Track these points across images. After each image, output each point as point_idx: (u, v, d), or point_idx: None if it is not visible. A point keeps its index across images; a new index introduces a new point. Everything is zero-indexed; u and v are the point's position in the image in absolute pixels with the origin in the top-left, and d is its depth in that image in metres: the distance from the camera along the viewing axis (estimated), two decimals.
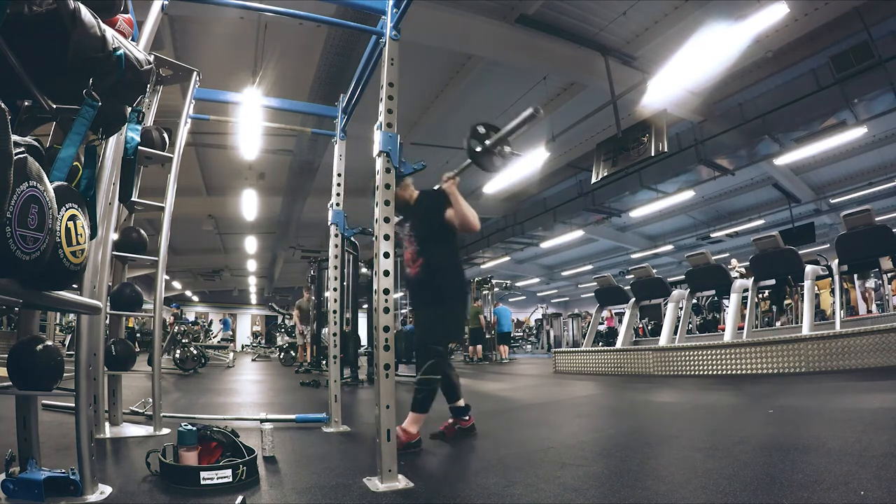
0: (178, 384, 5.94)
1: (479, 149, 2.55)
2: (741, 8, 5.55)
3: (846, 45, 6.62)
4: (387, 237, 1.91)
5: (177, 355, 7.47)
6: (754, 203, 13.95)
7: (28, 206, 1.01)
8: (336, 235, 3.14)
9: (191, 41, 6.42)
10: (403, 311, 10.28)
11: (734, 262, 9.30)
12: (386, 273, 1.89)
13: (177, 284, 21.85)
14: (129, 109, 1.55)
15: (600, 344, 10.49)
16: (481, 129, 2.58)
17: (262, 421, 2.87)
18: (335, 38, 5.81)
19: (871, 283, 8.43)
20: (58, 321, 8.27)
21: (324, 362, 7.75)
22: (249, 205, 10.81)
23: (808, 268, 5.43)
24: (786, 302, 7.85)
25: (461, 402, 2.74)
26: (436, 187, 2.68)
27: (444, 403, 2.69)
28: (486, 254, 17.40)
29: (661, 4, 6.32)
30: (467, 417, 2.75)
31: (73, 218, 1.21)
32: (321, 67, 6.39)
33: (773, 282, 6.27)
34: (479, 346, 11.47)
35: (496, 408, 4.27)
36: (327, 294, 7.20)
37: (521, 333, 19.19)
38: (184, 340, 7.83)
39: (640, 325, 10.29)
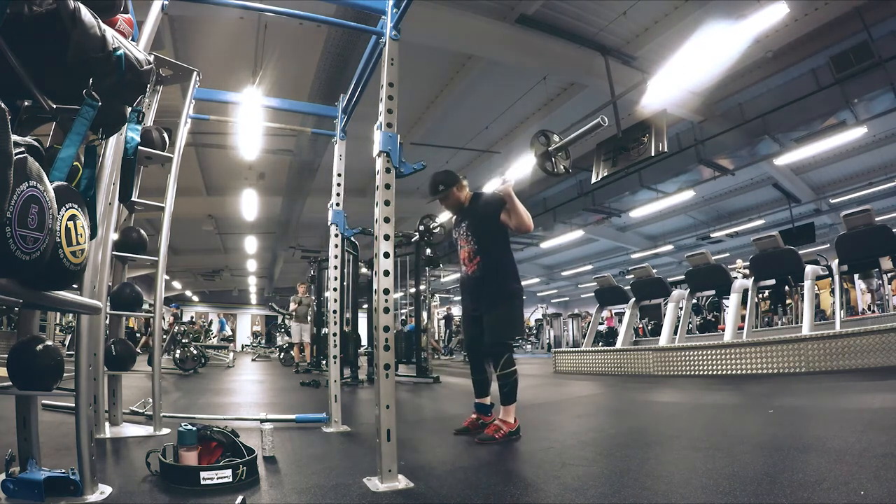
0: (178, 384, 5.94)
1: (541, 152, 2.74)
2: (741, 8, 5.55)
3: (846, 45, 6.62)
4: (387, 237, 1.91)
5: (177, 355, 7.47)
6: (754, 203, 13.96)
7: (28, 206, 1.00)
8: (336, 235, 3.13)
9: (191, 41, 6.42)
10: (403, 311, 10.27)
11: (739, 261, 9.30)
12: (386, 273, 1.89)
13: (177, 284, 21.85)
14: (129, 109, 1.54)
15: (600, 344, 10.48)
16: (547, 134, 2.79)
17: (262, 421, 2.87)
18: (335, 38, 5.81)
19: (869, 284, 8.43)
20: (58, 321, 8.27)
21: (324, 362, 7.75)
22: (249, 205, 10.81)
23: (808, 268, 5.43)
24: (786, 302, 7.85)
25: (488, 400, 2.88)
26: (492, 190, 2.87)
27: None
28: None
29: (661, 4, 6.32)
30: (490, 414, 2.84)
31: (73, 218, 1.21)
32: (321, 67, 6.39)
33: (773, 282, 6.28)
34: None
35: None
36: (327, 294, 7.20)
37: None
38: (184, 340, 7.83)
39: (640, 325, 10.28)
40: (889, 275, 6.55)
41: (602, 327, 12.51)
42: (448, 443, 2.60)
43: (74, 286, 1.60)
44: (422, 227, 3.95)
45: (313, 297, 9.46)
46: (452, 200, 2.91)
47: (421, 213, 14.11)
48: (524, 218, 2.70)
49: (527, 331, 19.71)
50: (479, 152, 9.96)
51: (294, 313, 9.62)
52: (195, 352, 7.64)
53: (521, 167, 9.10)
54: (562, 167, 2.79)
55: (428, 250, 7.54)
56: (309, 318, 9.47)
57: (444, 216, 3.89)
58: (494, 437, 2.54)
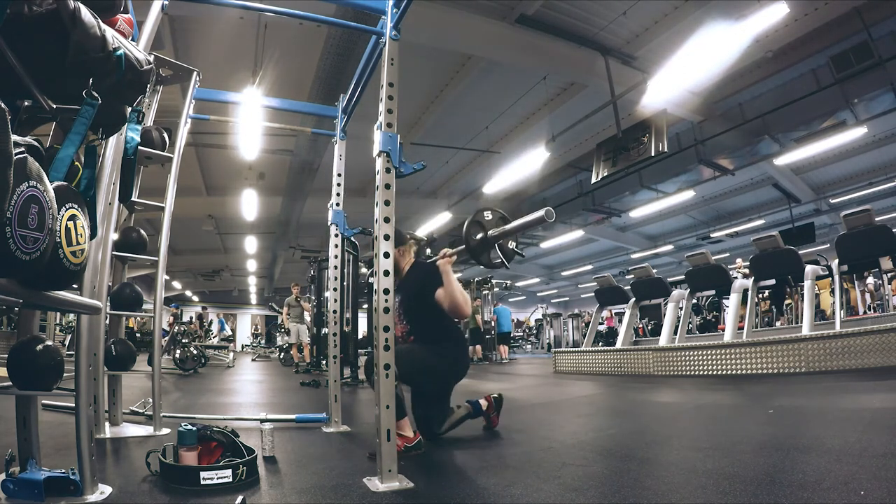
0: (178, 384, 5.94)
1: (479, 236, 2.31)
2: (741, 8, 5.55)
3: (846, 45, 6.62)
4: (387, 237, 1.91)
5: (177, 355, 7.47)
6: (754, 203, 13.96)
7: (28, 206, 1.00)
8: (336, 235, 3.13)
9: (191, 41, 6.42)
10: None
11: (739, 261, 9.30)
12: (386, 273, 1.89)
13: (177, 284, 21.85)
14: (129, 109, 1.55)
15: (600, 344, 10.49)
16: (487, 216, 2.34)
17: (262, 421, 2.87)
18: (335, 38, 5.81)
19: (870, 282, 8.43)
20: (58, 321, 8.28)
21: (324, 362, 7.75)
22: (249, 205, 10.80)
23: (808, 268, 5.43)
24: (786, 302, 7.85)
25: (483, 402, 2.80)
26: (431, 260, 2.53)
27: None
28: None
29: (661, 4, 6.32)
30: (494, 417, 2.82)
31: (73, 218, 1.21)
32: (321, 67, 6.40)
33: (773, 282, 6.28)
34: (479, 347, 11.47)
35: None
36: (327, 294, 7.20)
37: (521, 333, 19.19)
38: (184, 340, 7.83)
39: (640, 325, 10.28)
40: (889, 275, 6.55)
41: (602, 327, 12.52)
42: (448, 442, 2.60)
43: (74, 286, 1.60)
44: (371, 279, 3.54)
45: (312, 297, 9.45)
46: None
47: (421, 213, 14.07)
48: (458, 300, 2.32)
49: (527, 331, 19.76)
50: (479, 152, 9.96)
51: (288, 315, 9.64)
52: (195, 352, 7.65)
53: (523, 167, 9.14)
54: (507, 252, 2.36)
55: (428, 250, 7.55)
56: (307, 319, 9.47)
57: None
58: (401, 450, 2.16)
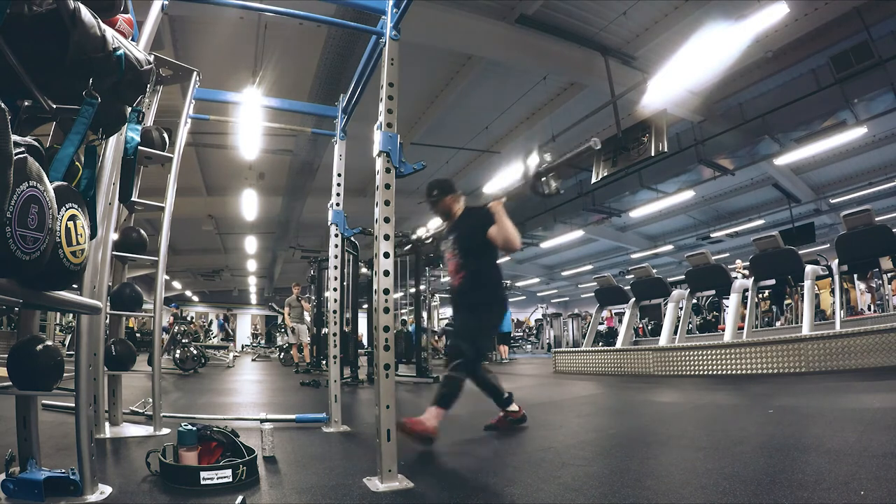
0: (178, 384, 5.94)
1: (533, 172, 2.79)
2: (741, 8, 5.55)
3: (846, 45, 6.61)
4: (387, 237, 1.91)
5: (177, 355, 7.47)
6: (754, 203, 13.96)
7: (28, 206, 1.00)
8: (336, 235, 3.13)
9: (191, 41, 6.42)
10: (403, 311, 10.29)
11: (738, 262, 9.30)
12: (386, 273, 1.89)
13: (177, 284, 21.85)
14: (129, 109, 1.55)
15: (600, 344, 10.49)
16: (538, 155, 2.84)
17: (262, 421, 2.87)
18: (335, 38, 5.81)
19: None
20: (58, 321, 8.28)
21: (324, 362, 7.75)
22: (249, 205, 10.80)
23: (808, 268, 5.42)
24: (786, 302, 7.85)
25: (506, 395, 2.92)
26: (482, 204, 2.85)
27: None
28: None
29: (661, 4, 6.32)
30: (516, 408, 2.92)
31: (73, 218, 1.21)
32: (321, 67, 6.40)
33: (773, 282, 6.28)
34: None
35: (496, 408, 4.26)
36: (327, 294, 7.20)
37: (521, 333, 19.20)
38: (184, 340, 7.83)
39: (640, 325, 10.29)
40: (889, 275, 6.55)
41: (602, 327, 12.52)
42: (448, 443, 2.60)
43: (74, 286, 1.60)
44: (414, 236, 3.97)
45: (312, 297, 9.46)
46: (442, 208, 2.91)
47: (421, 213, 14.12)
48: (511, 236, 2.67)
49: (527, 331, 19.76)
50: (479, 152, 9.96)
51: (290, 313, 9.63)
52: (195, 352, 7.65)
53: (522, 168, 9.14)
54: (553, 186, 2.83)
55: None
56: (307, 319, 9.48)
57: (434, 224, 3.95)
58: (411, 427, 2.31)
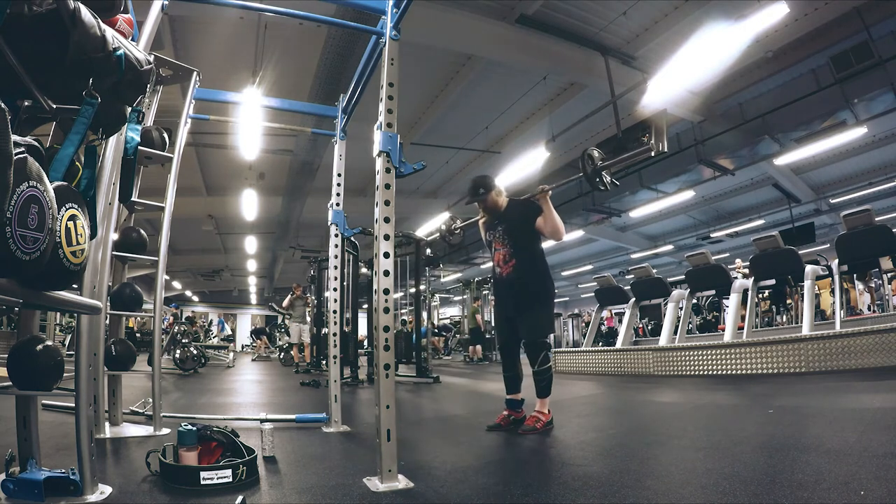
0: (178, 384, 5.94)
1: (592, 169, 3.01)
2: (741, 8, 5.55)
3: (846, 45, 6.61)
4: (387, 237, 1.91)
5: (177, 355, 7.47)
6: (754, 203, 13.95)
7: (28, 206, 1.00)
8: (336, 235, 3.13)
9: (191, 41, 6.41)
10: (404, 311, 10.30)
11: (738, 262, 9.30)
12: (386, 273, 1.89)
13: (177, 284, 21.85)
14: (129, 109, 1.55)
15: (600, 344, 10.49)
16: (595, 152, 3.05)
17: (262, 421, 2.87)
18: (335, 38, 5.81)
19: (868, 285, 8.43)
20: (58, 321, 8.28)
21: (324, 362, 7.75)
22: (249, 205, 10.80)
23: (808, 268, 5.42)
24: (786, 302, 7.85)
25: (519, 396, 2.99)
26: (525, 197, 3.10)
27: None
28: (486, 253, 17.37)
29: (661, 4, 6.31)
30: (521, 410, 2.97)
31: (73, 218, 1.21)
32: (321, 67, 6.39)
33: (773, 282, 6.28)
34: (479, 347, 11.47)
35: (496, 408, 4.26)
36: (327, 294, 7.20)
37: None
38: (184, 340, 7.83)
39: (640, 325, 10.29)
40: (889, 275, 6.55)
41: (602, 327, 12.52)
42: (448, 443, 2.60)
43: (74, 286, 1.60)
44: (444, 227, 4.04)
45: (312, 297, 9.46)
46: (490, 204, 3.02)
47: (421, 213, 14.13)
48: (558, 226, 2.88)
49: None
50: (479, 152, 9.95)
51: (291, 314, 9.63)
52: (195, 352, 7.65)
53: (524, 167, 9.14)
54: (608, 181, 3.09)
55: (428, 250, 7.56)
56: (308, 319, 9.48)
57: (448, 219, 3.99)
58: (535, 427, 2.70)
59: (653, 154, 7.31)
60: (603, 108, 7.59)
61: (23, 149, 1.01)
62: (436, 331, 13.65)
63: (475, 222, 3.26)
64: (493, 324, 12.40)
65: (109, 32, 1.23)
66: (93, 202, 1.41)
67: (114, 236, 2.47)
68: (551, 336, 3.00)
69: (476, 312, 11.67)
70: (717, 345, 5.31)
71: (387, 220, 1.92)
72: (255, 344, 15.93)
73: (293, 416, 3.14)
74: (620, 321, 8.31)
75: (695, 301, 8.06)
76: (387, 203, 1.93)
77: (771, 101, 8.04)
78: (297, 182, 10.32)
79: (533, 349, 2.84)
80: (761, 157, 9.93)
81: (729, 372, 4.97)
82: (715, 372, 5.10)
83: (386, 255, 1.90)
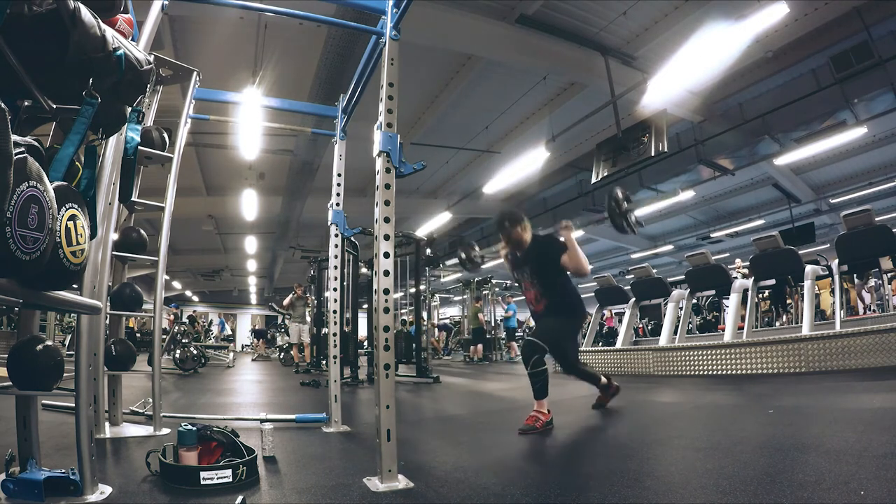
0: (178, 384, 5.94)
1: (617, 210, 3.10)
2: (741, 8, 5.54)
3: (846, 45, 6.61)
4: (387, 237, 1.91)
5: (177, 355, 7.47)
6: (754, 203, 13.95)
7: (28, 206, 1.00)
8: (336, 235, 3.14)
9: (191, 41, 6.42)
10: (404, 311, 10.31)
11: (738, 261, 9.29)
12: (386, 273, 1.89)
13: (177, 284, 21.84)
14: (129, 109, 1.55)
15: (600, 344, 10.49)
16: (619, 193, 3.12)
17: (262, 421, 2.87)
18: (335, 38, 5.81)
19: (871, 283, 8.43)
20: (58, 321, 8.29)
21: (324, 362, 7.75)
22: (249, 205, 10.81)
23: (808, 268, 5.42)
24: (787, 302, 7.85)
25: (604, 381, 3.33)
26: (545, 232, 3.20)
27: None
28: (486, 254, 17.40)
29: (661, 4, 6.31)
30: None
31: (73, 218, 1.21)
32: (321, 67, 6.39)
33: (773, 282, 6.27)
34: (480, 346, 11.48)
35: (496, 408, 4.27)
36: (327, 294, 7.21)
37: (522, 333, 19.20)
38: (184, 340, 7.84)
39: (640, 325, 10.28)
40: (889, 275, 6.55)
41: (602, 327, 12.52)
42: (448, 443, 2.60)
43: (74, 286, 1.60)
44: (463, 255, 4.11)
45: (312, 297, 9.46)
46: (514, 238, 3.07)
47: (421, 213, 14.09)
48: (582, 263, 2.89)
49: (527, 331, 19.77)
50: (479, 152, 9.96)
51: (291, 314, 9.63)
52: (195, 352, 7.65)
53: (523, 167, 9.14)
54: (634, 220, 3.20)
55: (428, 250, 7.57)
56: (308, 319, 9.48)
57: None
58: (535, 426, 2.71)
59: (653, 154, 7.32)
60: (603, 108, 7.59)
61: (23, 149, 1.01)
62: (436, 330, 13.68)
63: (496, 253, 3.42)
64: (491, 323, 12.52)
65: (109, 32, 1.23)
66: (93, 202, 1.41)
67: (114, 236, 2.47)
68: (560, 348, 3.09)
69: (479, 312, 11.68)
70: (717, 345, 5.30)
71: (387, 220, 1.92)
72: (253, 343, 16.02)
73: (293, 416, 3.14)
74: (620, 321, 8.31)
75: (695, 301, 8.06)
76: (387, 203, 1.93)
77: (771, 101, 8.03)
78: (297, 182, 10.33)
79: (527, 349, 2.90)
80: (761, 157, 9.93)
81: (729, 372, 4.97)
82: (715, 372, 5.10)
83: (386, 255, 1.90)
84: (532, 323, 3.51)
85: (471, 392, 5.52)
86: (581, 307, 3.13)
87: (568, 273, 3.03)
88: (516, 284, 3.24)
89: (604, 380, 3.31)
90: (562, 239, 2.96)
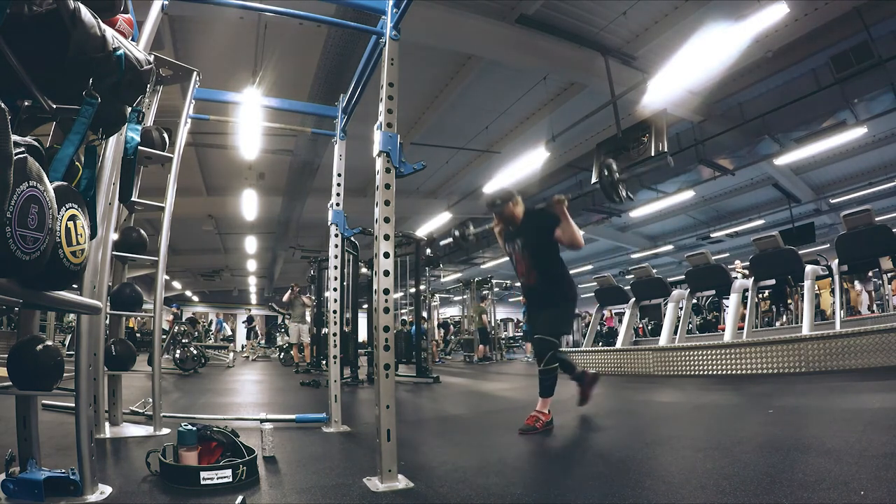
0: (178, 384, 5.94)
1: (609, 179, 3.04)
2: (741, 8, 5.54)
3: (846, 45, 6.60)
4: (387, 237, 1.91)
5: (177, 355, 7.47)
6: (754, 203, 13.95)
7: (28, 206, 1.00)
8: (336, 235, 3.14)
9: (191, 41, 6.41)
10: (404, 311, 10.30)
11: (737, 262, 9.29)
12: (386, 273, 1.89)
13: (177, 284, 21.84)
14: (129, 109, 1.55)
15: (600, 344, 10.49)
16: (614, 165, 3.08)
17: (262, 421, 2.87)
18: (335, 38, 5.81)
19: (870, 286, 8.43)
20: (58, 321, 8.28)
21: (324, 362, 7.75)
22: (249, 205, 10.81)
23: (808, 268, 5.42)
24: (787, 302, 7.85)
25: (579, 369, 3.22)
26: (540, 206, 3.08)
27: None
28: (486, 254, 17.41)
29: (661, 4, 6.31)
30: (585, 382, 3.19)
31: (73, 218, 1.21)
32: (321, 67, 6.39)
33: (773, 282, 6.27)
34: (483, 346, 11.47)
35: (496, 408, 4.27)
36: (327, 294, 7.20)
37: (522, 333, 19.20)
38: (184, 340, 7.83)
39: (640, 325, 10.28)
40: (889, 275, 6.55)
41: (602, 327, 12.51)
42: (448, 443, 2.60)
43: (74, 286, 1.60)
44: (457, 233, 4.10)
45: (312, 297, 9.46)
46: (507, 215, 3.05)
47: (421, 213, 14.09)
48: (576, 235, 2.87)
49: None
50: (479, 152, 9.96)
51: (290, 314, 9.62)
52: (195, 352, 7.65)
53: (524, 167, 9.14)
54: (624, 194, 3.12)
55: (428, 250, 7.57)
56: (308, 319, 9.48)
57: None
58: (535, 426, 2.70)
59: (653, 154, 7.32)
60: (603, 108, 7.59)
61: (23, 149, 1.01)
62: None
63: (489, 230, 3.31)
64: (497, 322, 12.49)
65: (109, 32, 1.23)
66: (93, 202, 1.41)
67: (114, 236, 2.47)
68: (564, 338, 3.07)
69: (482, 313, 11.68)
70: (717, 345, 5.30)
71: (387, 220, 1.92)
72: (246, 343, 16.06)
73: (293, 416, 3.14)
74: (620, 321, 8.31)
75: (695, 301, 8.06)
76: (387, 203, 1.93)
77: (771, 101, 8.03)
78: (297, 182, 10.32)
79: (541, 346, 2.89)
80: (761, 157, 9.93)
81: (729, 372, 4.97)
82: (715, 372, 5.10)
83: (386, 255, 1.90)
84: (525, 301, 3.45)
85: (471, 392, 5.52)
86: (573, 289, 3.13)
87: (560, 253, 3.04)
88: (507, 258, 3.21)
89: (580, 369, 3.27)
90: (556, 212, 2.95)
